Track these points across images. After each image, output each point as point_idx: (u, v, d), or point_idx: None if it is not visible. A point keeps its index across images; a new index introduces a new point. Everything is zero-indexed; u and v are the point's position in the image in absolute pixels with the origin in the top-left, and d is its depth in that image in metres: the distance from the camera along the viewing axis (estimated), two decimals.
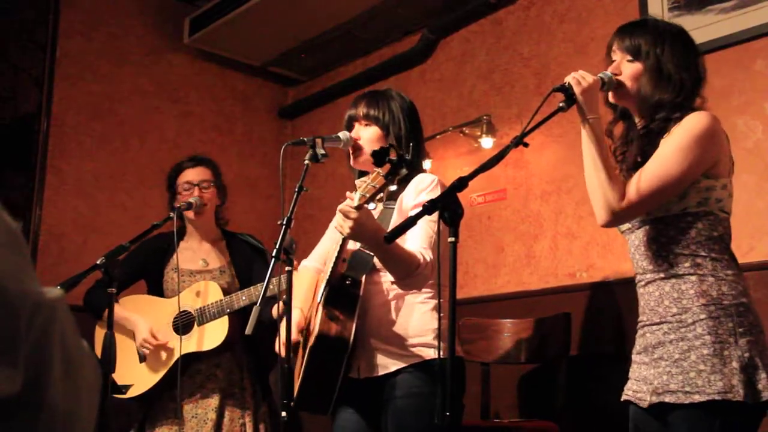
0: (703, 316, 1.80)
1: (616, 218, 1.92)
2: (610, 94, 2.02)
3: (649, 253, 1.93)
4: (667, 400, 1.81)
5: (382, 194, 1.93)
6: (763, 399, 1.74)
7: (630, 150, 2.04)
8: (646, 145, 1.96)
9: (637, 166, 1.96)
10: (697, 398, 1.75)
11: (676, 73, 1.94)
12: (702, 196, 1.87)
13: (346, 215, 1.97)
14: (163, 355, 2.96)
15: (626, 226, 2.00)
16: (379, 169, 1.92)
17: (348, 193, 2.02)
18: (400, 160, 1.88)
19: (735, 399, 1.72)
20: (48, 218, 4.01)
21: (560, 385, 3.04)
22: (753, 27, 2.94)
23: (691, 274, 1.85)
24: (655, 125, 1.94)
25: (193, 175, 3.12)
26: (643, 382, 1.90)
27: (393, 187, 1.94)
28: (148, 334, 2.93)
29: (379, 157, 1.91)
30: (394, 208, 2.25)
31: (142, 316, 3.01)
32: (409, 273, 2.09)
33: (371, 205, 1.96)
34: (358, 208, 1.95)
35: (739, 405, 1.73)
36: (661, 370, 1.84)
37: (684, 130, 1.87)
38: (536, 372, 3.36)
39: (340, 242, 2.18)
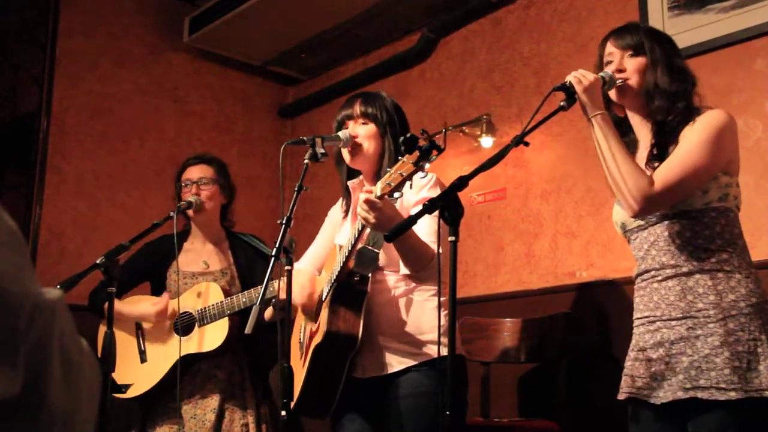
0: (734, 313, 1.80)
1: (650, 204, 1.88)
2: (613, 94, 2.02)
3: (671, 248, 1.91)
4: (699, 395, 1.78)
5: (410, 182, 1.85)
6: None
7: (632, 151, 2.04)
8: (664, 137, 1.96)
9: (655, 158, 1.96)
10: (733, 395, 1.74)
11: (680, 62, 2.01)
12: (723, 192, 1.90)
13: (372, 206, 1.95)
14: (164, 355, 2.96)
15: (636, 224, 1.99)
16: (403, 158, 1.84)
17: (367, 187, 2.01)
18: (432, 146, 1.79)
19: None
20: (48, 218, 4.01)
21: (560, 385, 3.04)
22: (753, 26, 2.94)
23: (718, 270, 1.85)
24: (673, 116, 1.95)
25: (194, 172, 3.11)
26: (653, 379, 1.88)
27: (421, 175, 1.85)
28: (153, 309, 2.92)
29: (409, 144, 1.82)
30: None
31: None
32: (424, 264, 2.11)
33: (396, 194, 1.87)
34: (381, 197, 1.93)
35: None
36: (686, 365, 1.82)
37: (706, 123, 1.90)
38: (536, 371, 3.36)
39: (355, 236, 2.14)
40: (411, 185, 1.86)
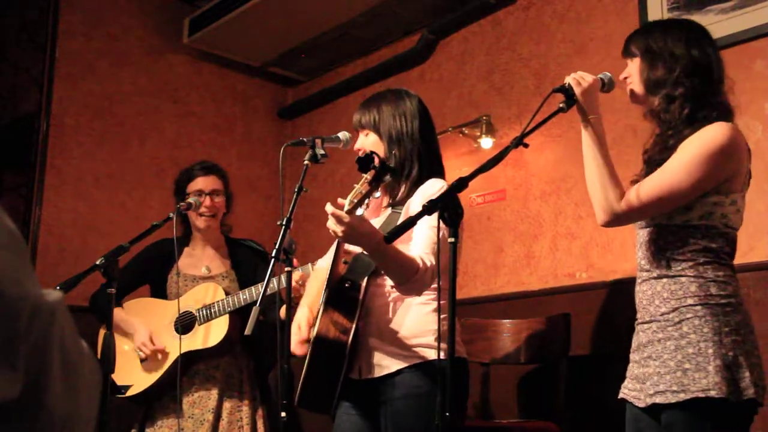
0: (689, 316, 1.81)
1: (615, 219, 1.92)
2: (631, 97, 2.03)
3: (648, 254, 1.94)
4: (657, 400, 1.82)
5: (368, 200, 1.97)
6: (745, 397, 1.75)
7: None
8: (657, 143, 1.95)
9: (648, 163, 1.96)
10: (682, 396, 1.76)
11: (665, 48, 1.92)
12: (707, 210, 1.86)
13: (338, 220, 1.97)
14: (163, 355, 2.96)
15: (639, 222, 2.01)
16: (366, 175, 1.94)
17: (339, 200, 2.03)
18: (383, 167, 1.92)
19: (717, 396, 1.73)
20: (48, 218, 4.01)
21: (560, 386, 3.04)
22: (753, 27, 2.94)
23: (681, 276, 1.86)
24: (658, 106, 1.92)
25: (204, 183, 3.13)
26: (636, 381, 1.91)
27: (377, 194, 1.97)
28: (146, 338, 2.94)
29: (363, 164, 1.94)
30: (401, 213, 2.25)
31: (145, 318, 3.01)
32: (407, 278, 2.07)
33: (359, 211, 1.97)
34: (350, 212, 1.96)
35: (723, 403, 1.73)
36: (651, 370, 1.85)
37: (699, 143, 1.84)
38: (536, 372, 3.36)
39: (336, 244, 2.18)
40: (368, 205, 1.99)
